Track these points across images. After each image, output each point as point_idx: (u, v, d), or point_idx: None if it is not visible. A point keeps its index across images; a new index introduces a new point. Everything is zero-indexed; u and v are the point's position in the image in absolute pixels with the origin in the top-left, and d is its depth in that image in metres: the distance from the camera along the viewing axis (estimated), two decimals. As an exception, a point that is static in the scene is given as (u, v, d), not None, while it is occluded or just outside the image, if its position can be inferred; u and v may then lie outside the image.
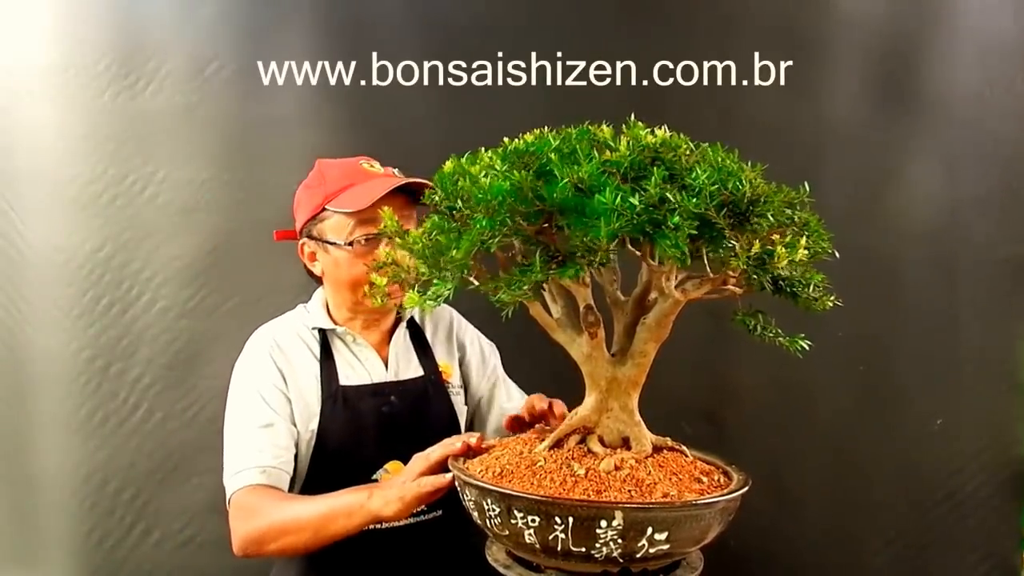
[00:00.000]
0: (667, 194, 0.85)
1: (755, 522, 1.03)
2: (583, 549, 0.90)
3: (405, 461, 1.26)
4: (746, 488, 0.97)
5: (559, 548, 0.91)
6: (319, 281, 1.50)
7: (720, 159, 0.90)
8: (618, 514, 0.88)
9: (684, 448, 1.05)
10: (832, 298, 0.94)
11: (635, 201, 0.84)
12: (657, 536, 0.89)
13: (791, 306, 0.97)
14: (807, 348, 0.95)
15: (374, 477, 1.39)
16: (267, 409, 1.36)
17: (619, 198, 0.84)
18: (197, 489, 1.85)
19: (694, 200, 0.85)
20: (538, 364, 1.57)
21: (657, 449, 1.03)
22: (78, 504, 1.87)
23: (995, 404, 1.97)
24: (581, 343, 1.03)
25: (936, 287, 1.95)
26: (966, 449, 1.97)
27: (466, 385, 1.55)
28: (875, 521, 1.97)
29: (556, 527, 0.90)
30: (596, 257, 0.88)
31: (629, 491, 0.93)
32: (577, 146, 0.91)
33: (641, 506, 0.90)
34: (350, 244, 1.38)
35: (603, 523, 0.89)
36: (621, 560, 0.91)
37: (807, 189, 0.94)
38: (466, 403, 1.54)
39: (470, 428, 1.55)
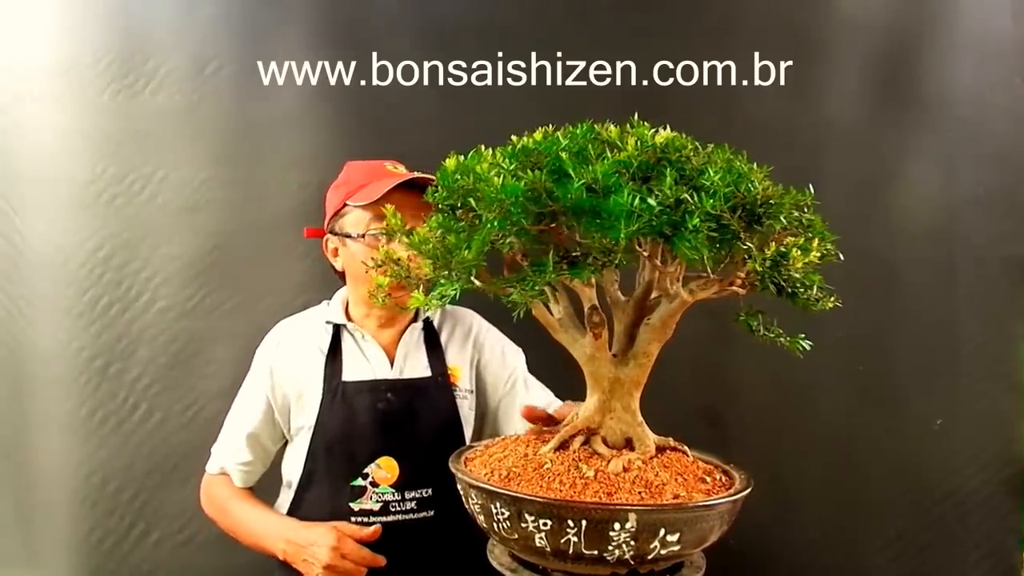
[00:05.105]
0: (684, 195, 0.84)
1: (755, 522, 1.02)
2: (595, 552, 0.89)
3: (398, 458, 1.42)
4: (750, 489, 0.97)
5: (571, 551, 0.90)
6: (343, 278, 1.55)
7: (728, 160, 0.89)
8: (632, 516, 0.87)
9: (685, 448, 1.05)
10: (832, 299, 0.93)
11: (653, 203, 0.83)
12: (669, 537, 0.89)
13: (790, 307, 0.97)
14: (807, 348, 0.94)
15: (366, 471, 1.43)
16: (248, 414, 1.50)
17: (636, 199, 0.83)
18: (197, 489, 1.84)
19: (711, 201, 0.83)
20: (539, 365, 1.58)
21: (660, 449, 1.03)
22: (78, 504, 1.87)
23: (994, 404, 1.97)
24: (584, 343, 1.02)
25: (935, 287, 1.95)
26: (966, 449, 1.97)
27: (483, 389, 1.55)
28: (875, 520, 1.97)
29: (569, 530, 0.89)
30: (613, 259, 0.87)
31: (640, 493, 0.92)
32: (588, 146, 0.90)
33: (655, 508, 0.89)
34: (363, 236, 1.44)
35: (616, 525, 0.88)
36: (632, 562, 0.90)
37: (812, 191, 0.93)
38: (477, 407, 1.54)
39: (482, 430, 1.55)
